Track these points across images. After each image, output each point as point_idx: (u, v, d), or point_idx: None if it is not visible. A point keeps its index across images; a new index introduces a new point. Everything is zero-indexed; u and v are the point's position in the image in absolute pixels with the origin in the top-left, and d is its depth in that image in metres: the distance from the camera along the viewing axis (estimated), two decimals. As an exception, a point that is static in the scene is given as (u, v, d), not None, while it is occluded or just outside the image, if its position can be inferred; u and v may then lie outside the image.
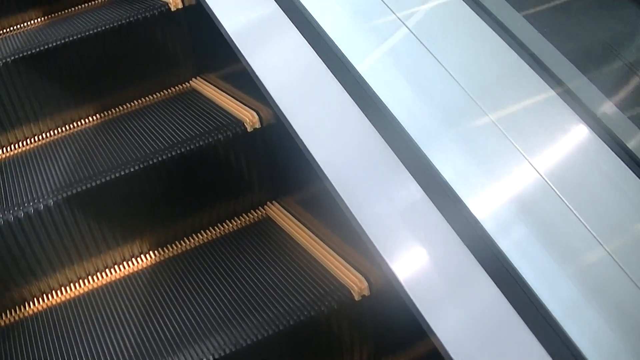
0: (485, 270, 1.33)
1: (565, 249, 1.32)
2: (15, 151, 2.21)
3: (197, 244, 2.01)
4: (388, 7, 1.71)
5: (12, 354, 1.76)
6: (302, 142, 1.64)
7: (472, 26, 1.62)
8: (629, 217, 1.37)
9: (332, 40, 1.71)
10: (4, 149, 2.24)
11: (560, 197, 1.35)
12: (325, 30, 1.74)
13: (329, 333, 1.73)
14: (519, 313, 1.28)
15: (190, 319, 1.72)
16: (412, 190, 1.46)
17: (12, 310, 1.91)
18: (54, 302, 1.91)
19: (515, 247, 1.33)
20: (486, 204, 1.40)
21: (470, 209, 1.38)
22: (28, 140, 2.26)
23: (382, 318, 1.69)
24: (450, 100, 1.53)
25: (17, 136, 2.25)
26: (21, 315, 1.89)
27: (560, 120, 1.45)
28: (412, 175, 1.47)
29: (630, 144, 1.40)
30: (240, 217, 2.07)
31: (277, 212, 2.04)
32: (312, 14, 1.77)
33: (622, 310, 1.27)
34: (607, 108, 1.48)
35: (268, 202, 2.08)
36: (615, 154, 1.40)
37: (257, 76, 1.80)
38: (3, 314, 1.90)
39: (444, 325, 1.34)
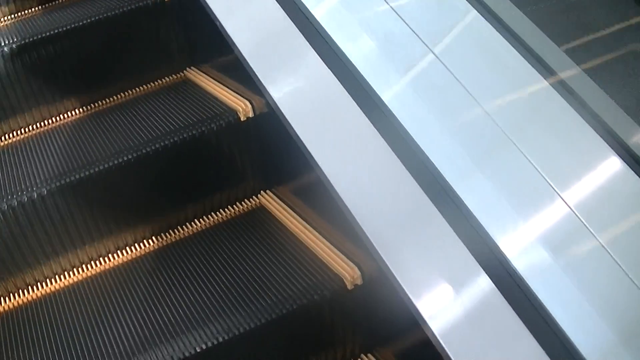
0: (480, 264, 1.33)
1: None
2: (8, 141, 2.21)
3: (190, 232, 2.01)
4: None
5: (7, 342, 1.77)
6: (294, 131, 1.64)
7: (507, 57, 1.59)
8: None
9: (326, 30, 1.71)
10: (-1, 138, 2.25)
11: (594, 236, 1.34)
12: (321, 21, 1.74)
13: (322, 322, 1.73)
14: (515, 310, 1.28)
15: (183, 308, 1.72)
16: (407, 183, 1.46)
17: (6, 299, 1.91)
18: (48, 291, 1.91)
19: (516, 250, 1.33)
20: (483, 202, 1.40)
21: (468, 206, 1.38)
22: (21, 130, 2.26)
23: (374, 308, 1.69)
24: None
25: (11, 126, 2.25)
26: (15, 304, 1.89)
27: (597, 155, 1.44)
28: (408, 170, 1.47)
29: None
30: (234, 206, 2.07)
31: (270, 201, 2.04)
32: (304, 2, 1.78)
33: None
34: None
35: (261, 191, 2.08)
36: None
37: (249, 65, 1.80)
38: (-3, 303, 1.91)
39: (437, 316, 1.34)
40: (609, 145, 1.42)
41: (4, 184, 1.93)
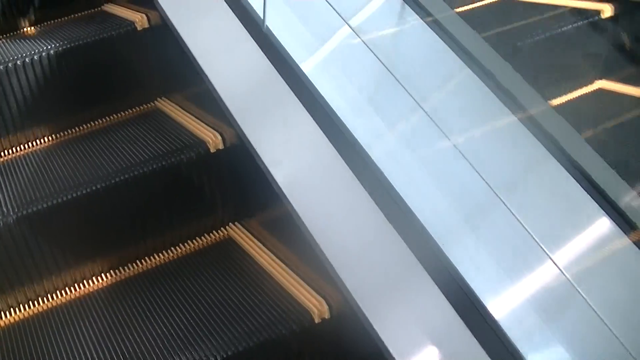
0: (445, 295, 1.34)
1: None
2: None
3: (157, 263, 2.00)
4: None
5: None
6: (264, 164, 1.65)
7: (497, 116, 1.59)
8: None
9: (298, 65, 1.72)
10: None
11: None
12: (293, 55, 1.75)
13: (289, 355, 1.72)
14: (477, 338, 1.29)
15: (148, 340, 1.71)
16: (376, 217, 1.47)
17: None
18: (10, 321, 1.89)
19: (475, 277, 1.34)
20: (446, 232, 1.41)
21: (438, 242, 1.39)
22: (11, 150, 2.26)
23: (342, 341, 1.69)
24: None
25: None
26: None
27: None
28: (376, 203, 1.48)
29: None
30: (202, 237, 2.06)
31: (239, 234, 2.03)
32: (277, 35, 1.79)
33: None
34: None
35: (230, 223, 2.08)
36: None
37: (219, 96, 1.81)
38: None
39: (404, 351, 1.34)
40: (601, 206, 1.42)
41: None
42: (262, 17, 1.82)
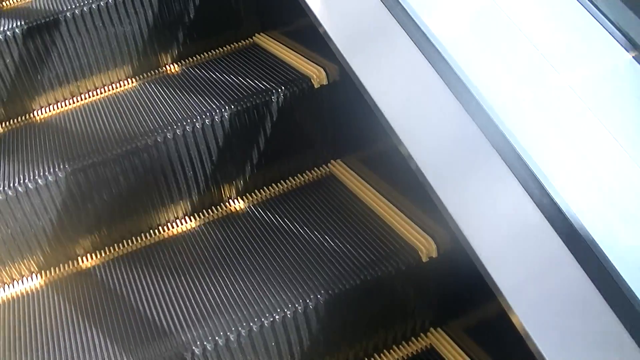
0: (562, 240, 1.28)
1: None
2: (84, 102, 2.25)
3: (260, 199, 2.01)
4: None
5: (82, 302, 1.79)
6: (372, 99, 1.61)
7: None
8: None
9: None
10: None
11: None
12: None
13: (393, 294, 1.70)
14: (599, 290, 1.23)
15: (254, 276, 1.71)
16: (485, 151, 1.42)
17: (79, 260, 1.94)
18: (121, 253, 1.94)
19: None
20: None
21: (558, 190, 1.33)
22: (95, 92, 2.30)
23: (448, 281, 1.67)
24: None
25: (87, 86, 2.28)
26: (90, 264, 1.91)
27: None
28: (488, 139, 1.42)
29: None
30: (304, 174, 2.06)
31: (341, 170, 2.02)
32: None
33: None
34: None
35: (332, 160, 2.06)
36: None
37: (324, 29, 1.77)
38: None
39: (517, 293, 1.31)
40: None
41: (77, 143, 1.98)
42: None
